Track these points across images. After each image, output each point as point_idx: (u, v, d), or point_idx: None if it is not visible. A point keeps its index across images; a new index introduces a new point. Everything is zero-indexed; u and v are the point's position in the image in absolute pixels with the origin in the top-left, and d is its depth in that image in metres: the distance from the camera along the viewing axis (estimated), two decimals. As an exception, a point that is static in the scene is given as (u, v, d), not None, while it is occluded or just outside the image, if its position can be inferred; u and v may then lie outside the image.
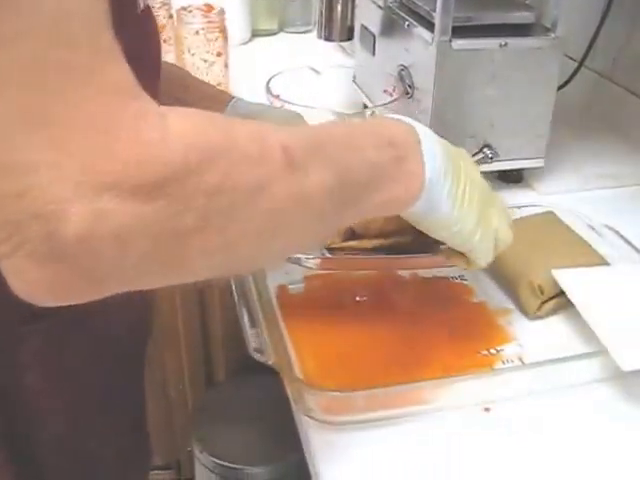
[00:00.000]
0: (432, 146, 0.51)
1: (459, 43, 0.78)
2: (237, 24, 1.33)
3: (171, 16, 1.18)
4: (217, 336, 1.24)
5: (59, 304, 0.36)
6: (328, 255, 0.59)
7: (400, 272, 0.72)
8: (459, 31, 0.78)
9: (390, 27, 0.90)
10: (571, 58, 1.03)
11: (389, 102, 0.85)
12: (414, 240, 0.58)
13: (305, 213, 0.43)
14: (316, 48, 1.21)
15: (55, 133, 0.32)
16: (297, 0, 1.46)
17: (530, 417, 0.56)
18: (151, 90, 0.57)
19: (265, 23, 1.46)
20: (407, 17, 0.85)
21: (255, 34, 1.44)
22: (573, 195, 0.87)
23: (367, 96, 0.96)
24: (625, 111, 1.03)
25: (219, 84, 1.11)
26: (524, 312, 0.67)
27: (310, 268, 0.60)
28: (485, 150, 0.84)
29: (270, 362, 0.57)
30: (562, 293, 0.65)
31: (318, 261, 0.59)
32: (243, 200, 0.37)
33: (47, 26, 0.31)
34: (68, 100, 0.32)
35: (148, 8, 0.53)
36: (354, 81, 0.99)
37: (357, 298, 0.69)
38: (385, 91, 0.89)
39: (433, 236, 0.55)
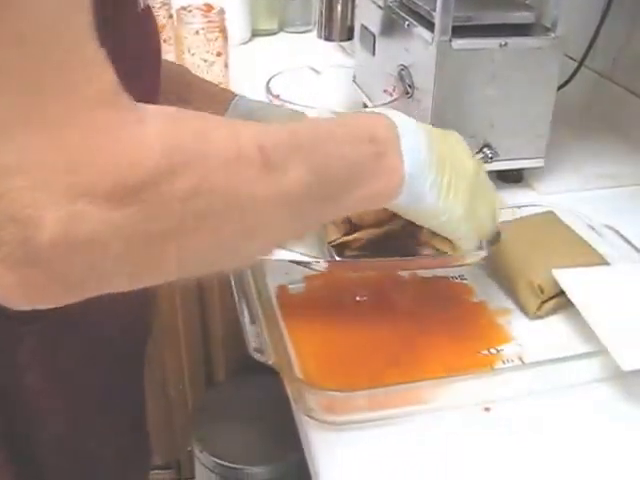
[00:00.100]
0: (414, 140, 0.51)
1: (459, 43, 0.78)
2: (237, 24, 1.33)
3: (171, 16, 1.18)
4: (217, 336, 1.24)
5: (34, 307, 0.36)
6: (336, 258, 0.59)
7: (400, 273, 0.72)
8: (459, 31, 0.78)
9: (390, 27, 0.90)
10: (571, 58, 1.03)
11: (389, 102, 0.85)
12: (404, 227, 0.58)
13: (283, 212, 0.43)
14: (316, 48, 1.21)
15: (34, 139, 0.32)
16: (297, 0, 1.46)
17: (530, 417, 0.56)
18: (151, 89, 0.57)
19: (265, 23, 1.46)
20: (407, 17, 0.85)
21: (255, 34, 1.44)
22: (573, 195, 0.87)
23: (367, 96, 0.96)
24: (625, 111, 1.03)
25: (219, 84, 1.11)
26: (524, 312, 0.67)
27: (319, 271, 0.60)
28: (485, 150, 0.84)
29: (270, 362, 0.57)
30: (562, 293, 0.65)
31: (327, 265, 0.59)
32: (220, 202, 0.37)
33: (30, 36, 0.31)
34: (47, 107, 0.32)
35: (148, 8, 0.53)
36: (354, 81, 0.99)
37: (357, 298, 0.69)
38: (385, 91, 0.89)
39: (422, 225, 0.56)
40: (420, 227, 0.58)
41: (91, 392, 0.59)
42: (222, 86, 1.10)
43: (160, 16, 1.15)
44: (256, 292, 0.66)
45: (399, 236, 0.60)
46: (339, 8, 0.97)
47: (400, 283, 0.71)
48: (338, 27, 0.99)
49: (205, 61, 1.11)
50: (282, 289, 0.69)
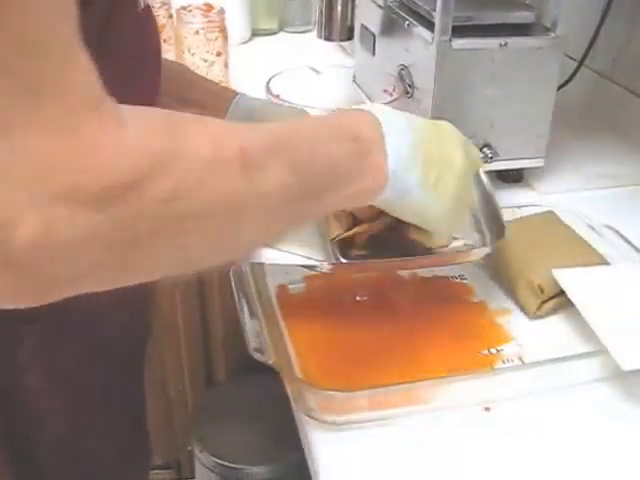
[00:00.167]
0: (399, 137, 0.51)
1: (459, 43, 0.78)
2: (237, 24, 1.33)
3: (171, 16, 1.18)
4: (217, 336, 1.24)
5: (10, 307, 0.36)
6: (341, 259, 0.59)
7: (400, 272, 0.72)
8: (459, 31, 0.78)
9: (390, 27, 0.90)
10: (571, 58, 1.03)
11: (389, 102, 0.85)
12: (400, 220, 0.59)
13: (264, 213, 0.43)
14: (316, 48, 1.21)
15: (13, 140, 0.32)
16: (297, 0, 1.46)
17: (530, 417, 0.56)
18: (151, 89, 0.57)
19: (265, 23, 1.46)
20: (407, 17, 0.85)
21: (255, 34, 1.44)
22: (573, 195, 0.87)
23: (367, 96, 0.96)
24: (625, 111, 1.03)
25: (219, 83, 1.11)
26: (524, 312, 0.67)
27: (324, 273, 0.60)
28: (485, 150, 0.84)
29: (270, 362, 0.57)
30: (562, 293, 0.65)
31: (330, 267, 0.59)
32: (199, 205, 0.37)
33: (13, 37, 0.31)
34: (28, 108, 0.32)
35: (148, 7, 0.53)
36: (354, 81, 0.99)
37: (357, 298, 0.69)
38: (385, 91, 0.89)
39: (409, 221, 0.56)
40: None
41: (91, 392, 0.59)
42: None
43: (160, 16, 1.15)
44: (256, 292, 0.66)
45: (401, 228, 0.60)
46: (339, 8, 0.97)
47: (400, 283, 0.71)
48: (338, 27, 0.99)
49: (205, 61, 1.11)
50: (282, 289, 0.69)
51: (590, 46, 1.02)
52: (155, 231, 0.36)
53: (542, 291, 0.66)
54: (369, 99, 0.95)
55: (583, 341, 0.63)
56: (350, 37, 1.01)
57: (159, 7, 1.15)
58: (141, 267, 0.38)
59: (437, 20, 0.77)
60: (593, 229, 0.76)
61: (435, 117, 0.80)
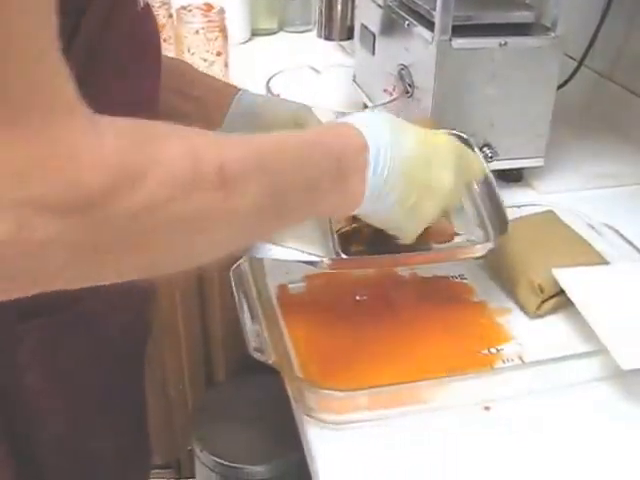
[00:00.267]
0: (383, 162, 0.51)
1: (459, 42, 0.78)
2: (237, 23, 1.33)
3: (171, 15, 1.18)
4: (217, 336, 1.24)
5: None
6: (342, 255, 0.59)
7: (400, 272, 0.72)
8: (459, 30, 0.78)
9: (390, 26, 0.90)
10: (571, 57, 1.03)
11: (389, 101, 0.85)
12: None
13: (234, 229, 0.43)
14: (316, 47, 1.21)
15: None
16: (297, 0, 1.46)
17: (530, 416, 0.56)
18: (151, 88, 0.57)
19: (265, 22, 1.46)
20: (407, 16, 0.85)
21: (255, 33, 1.44)
22: (573, 194, 0.87)
23: (367, 95, 0.96)
24: (625, 111, 1.03)
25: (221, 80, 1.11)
26: (524, 311, 0.67)
27: (325, 269, 0.60)
28: (485, 149, 0.84)
29: (270, 361, 0.57)
30: (562, 292, 0.65)
31: (331, 262, 0.59)
32: (168, 218, 0.38)
33: None
34: (7, 113, 0.32)
35: (148, 6, 0.53)
36: (354, 80, 0.99)
37: (357, 297, 0.69)
38: (385, 90, 0.89)
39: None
40: None
41: (91, 392, 0.59)
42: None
43: (160, 15, 1.15)
44: (256, 292, 0.66)
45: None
46: (339, 7, 0.97)
47: (400, 283, 0.71)
48: (338, 26, 0.99)
49: (205, 60, 1.11)
50: (282, 289, 0.69)
51: (590, 46, 1.02)
52: (123, 240, 0.37)
53: (542, 290, 0.66)
54: (369, 99, 0.95)
55: (583, 340, 0.63)
56: (350, 37, 1.01)
57: (159, 7, 1.15)
58: (108, 270, 0.38)
59: (437, 20, 0.77)
60: (593, 228, 0.76)
61: (435, 116, 0.81)
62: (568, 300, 0.64)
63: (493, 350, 0.62)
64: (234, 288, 0.66)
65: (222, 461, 1.09)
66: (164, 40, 1.12)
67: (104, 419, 0.62)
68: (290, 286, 0.70)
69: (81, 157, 0.34)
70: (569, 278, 0.65)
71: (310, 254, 0.57)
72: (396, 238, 0.59)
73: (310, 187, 0.48)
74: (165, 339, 1.22)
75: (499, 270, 0.71)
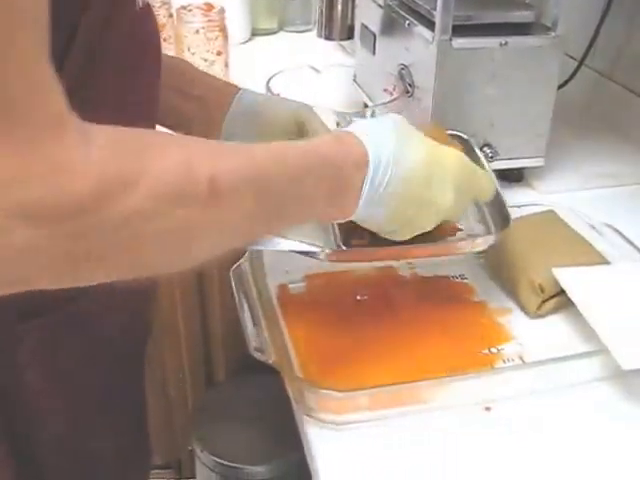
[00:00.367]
0: (381, 178, 0.51)
1: (459, 42, 0.78)
2: (237, 23, 1.33)
3: (171, 15, 1.18)
4: (217, 335, 1.24)
5: None
6: (343, 247, 0.59)
7: (401, 272, 0.72)
8: (459, 30, 0.78)
9: (390, 26, 0.90)
10: (571, 57, 1.03)
11: (389, 101, 0.85)
12: None
13: (224, 237, 0.44)
14: (316, 47, 1.21)
15: None
16: (297, -1, 1.46)
17: (531, 416, 0.56)
18: (151, 88, 0.57)
19: (265, 22, 1.46)
20: (407, 16, 0.85)
21: (255, 33, 1.44)
22: (573, 194, 0.87)
23: (367, 95, 0.96)
24: (625, 110, 1.03)
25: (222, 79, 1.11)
26: (525, 311, 0.67)
27: (324, 260, 0.60)
28: (485, 149, 0.84)
29: (270, 361, 0.57)
30: (562, 292, 0.65)
31: (331, 253, 0.58)
32: (154, 228, 0.38)
33: None
34: None
35: (148, 6, 0.53)
36: (354, 80, 0.99)
37: (358, 297, 0.69)
38: (385, 90, 0.89)
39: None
40: None
41: (91, 392, 0.59)
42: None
43: (160, 15, 1.15)
44: (256, 292, 0.66)
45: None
46: (339, 7, 0.97)
47: (400, 282, 0.71)
48: (338, 26, 0.99)
49: (205, 60, 1.11)
50: (282, 288, 0.69)
51: (590, 46, 1.02)
52: (109, 247, 0.37)
53: (542, 290, 0.66)
54: (369, 98, 0.95)
55: (583, 340, 0.63)
56: (350, 36, 1.01)
57: (159, 6, 1.15)
58: (93, 273, 0.39)
59: (437, 19, 0.77)
60: (593, 228, 0.76)
61: (435, 116, 0.81)
62: (569, 300, 0.64)
63: (493, 350, 0.62)
64: (234, 288, 0.66)
65: (222, 461, 1.09)
66: (164, 40, 1.12)
67: (104, 419, 0.62)
68: (290, 286, 0.70)
69: (67, 166, 0.34)
70: (570, 278, 0.65)
71: (311, 244, 0.57)
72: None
73: (306, 197, 0.48)
74: (165, 339, 1.22)
75: (499, 270, 0.71)
